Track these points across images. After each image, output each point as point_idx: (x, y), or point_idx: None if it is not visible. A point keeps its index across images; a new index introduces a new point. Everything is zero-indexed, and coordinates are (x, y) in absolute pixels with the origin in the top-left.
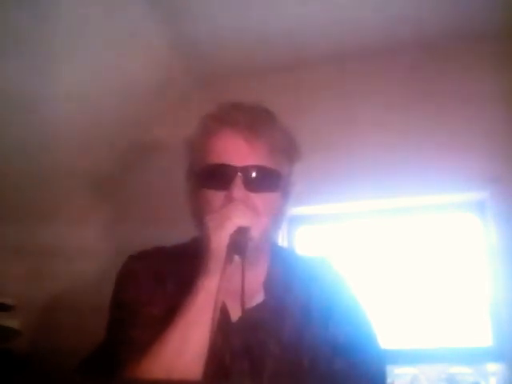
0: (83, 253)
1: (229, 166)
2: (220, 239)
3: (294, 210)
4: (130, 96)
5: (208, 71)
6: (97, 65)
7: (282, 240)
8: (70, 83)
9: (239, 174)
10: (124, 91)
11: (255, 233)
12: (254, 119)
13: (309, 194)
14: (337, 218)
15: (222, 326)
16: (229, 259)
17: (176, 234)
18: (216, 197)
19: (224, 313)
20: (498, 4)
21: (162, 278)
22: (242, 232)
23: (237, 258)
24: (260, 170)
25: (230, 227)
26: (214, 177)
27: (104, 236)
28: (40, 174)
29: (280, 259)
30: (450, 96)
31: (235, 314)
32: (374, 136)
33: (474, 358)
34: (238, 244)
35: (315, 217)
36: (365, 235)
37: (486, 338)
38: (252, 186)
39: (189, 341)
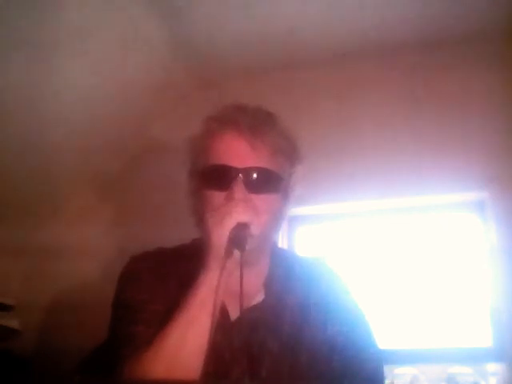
0: (83, 253)
1: (230, 167)
2: (220, 235)
3: (294, 210)
4: (130, 96)
5: (208, 71)
6: (97, 65)
7: (281, 240)
8: (70, 83)
9: (240, 175)
10: (124, 91)
11: (255, 230)
12: (256, 121)
13: (309, 194)
14: (337, 218)
15: (222, 324)
16: (228, 254)
17: (177, 234)
18: (217, 197)
19: (223, 312)
20: (498, 4)
21: (164, 278)
22: (241, 227)
23: (236, 252)
24: (261, 171)
25: (229, 223)
26: (215, 177)
27: (104, 236)
28: (40, 174)
29: (280, 260)
30: (450, 96)
31: (235, 313)
32: (374, 136)
33: (474, 358)
34: (238, 239)
35: (315, 217)
36: (365, 235)
37: (486, 338)
38: (253, 187)
39: (189, 335)
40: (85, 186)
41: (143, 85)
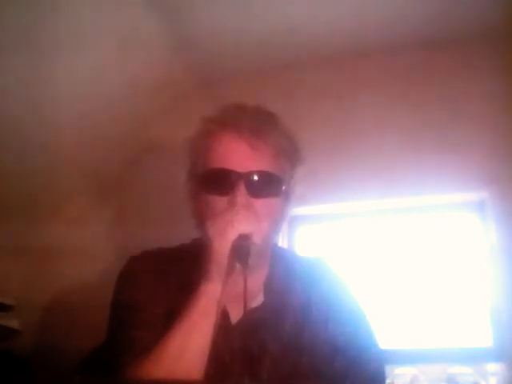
0: (83, 253)
1: (232, 171)
2: (221, 245)
3: (294, 209)
4: (130, 96)
5: (208, 71)
6: (97, 65)
7: (282, 240)
8: (70, 83)
9: (242, 179)
10: (124, 91)
11: (257, 239)
12: (257, 123)
13: (309, 194)
14: (337, 218)
15: (222, 327)
16: (231, 267)
17: (177, 234)
18: (218, 202)
19: (224, 315)
20: (498, 4)
21: (164, 278)
22: (243, 239)
23: (239, 265)
24: (263, 175)
25: (231, 234)
26: (216, 182)
27: (104, 236)
28: (40, 174)
29: (280, 261)
30: (450, 96)
31: (235, 316)
32: (374, 136)
33: (474, 358)
34: (240, 251)
35: (315, 217)
36: (365, 235)
37: (485, 338)
38: (255, 191)
39: (190, 344)
40: (85, 186)
41: (143, 84)
